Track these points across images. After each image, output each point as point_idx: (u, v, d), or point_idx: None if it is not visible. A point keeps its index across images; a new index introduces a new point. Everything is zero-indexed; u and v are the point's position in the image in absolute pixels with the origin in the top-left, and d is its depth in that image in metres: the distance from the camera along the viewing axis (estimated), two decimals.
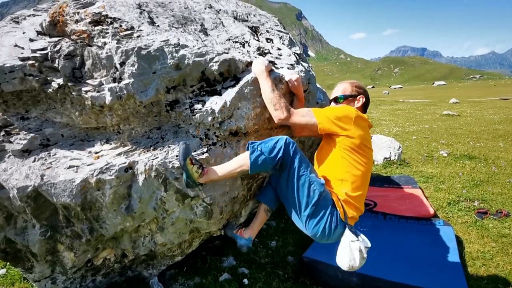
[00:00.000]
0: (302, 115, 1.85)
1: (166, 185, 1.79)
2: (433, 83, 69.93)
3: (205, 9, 2.66)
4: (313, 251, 2.68)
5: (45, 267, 1.96)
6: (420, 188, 4.14)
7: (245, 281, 2.39)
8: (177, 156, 1.79)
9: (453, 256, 2.56)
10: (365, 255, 1.74)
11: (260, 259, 2.77)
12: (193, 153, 1.82)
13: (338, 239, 1.85)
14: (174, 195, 1.82)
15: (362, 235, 1.79)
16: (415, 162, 5.77)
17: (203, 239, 2.31)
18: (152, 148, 1.85)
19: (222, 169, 1.79)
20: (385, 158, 5.54)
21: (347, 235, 1.76)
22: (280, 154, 1.72)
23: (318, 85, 3.76)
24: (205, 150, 1.86)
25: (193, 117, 1.86)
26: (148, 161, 1.77)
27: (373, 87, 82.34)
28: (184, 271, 2.51)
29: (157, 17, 2.12)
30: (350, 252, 1.73)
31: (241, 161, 1.77)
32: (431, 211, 3.40)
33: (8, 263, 2.72)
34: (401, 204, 3.65)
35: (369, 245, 1.77)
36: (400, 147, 5.82)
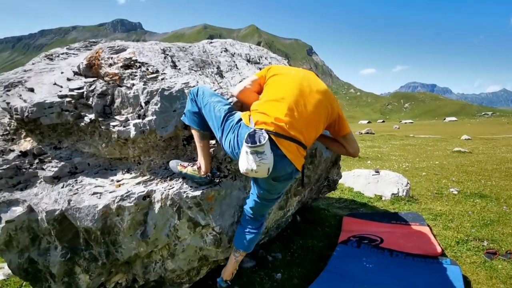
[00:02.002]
0: (245, 80, 2.05)
1: (180, 214, 1.94)
2: (444, 119, 69.72)
3: (221, 52, 2.95)
4: (318, 285, 2.71)
5: None
6: (428, 226, 4.13)
7: None
8: (175, 173, 2.07)
9: None
10: (251, 157, 1.58)
11: None
12: (202, 187, 2.03)
13: None
14: (187, 223, 1.96)
15: (260, 141, 1.59)
16: (424, 199, 5.73)
17: (210, 268, 2.39)
18: (168, 178, 2.03)
19: (198, 149, 1.99)
20: (393, 194, 5.55)
21: (245, 137, 1.64)
22: (194, 100, 1.95)
23: None
24: (217, 181, 2.02)
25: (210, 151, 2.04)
26: (165, 190, 1.93)
27: (383, 121, 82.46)
28: None
29: (178, 61, 2.39)
30: (242, 153, 1.65)
31: (193, 132, 2.00)
32: (439, 249, 3.39)
33: (23, 284, 2.83)
34: (408, 241, 3.65)
35: (256, 146, 1.56)
36: (408, 183, 5.83)
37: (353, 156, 2.19)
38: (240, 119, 1.80)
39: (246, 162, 1.61)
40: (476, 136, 21.67)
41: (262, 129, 1.66)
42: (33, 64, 3.25)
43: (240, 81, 2.11)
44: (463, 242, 3.80)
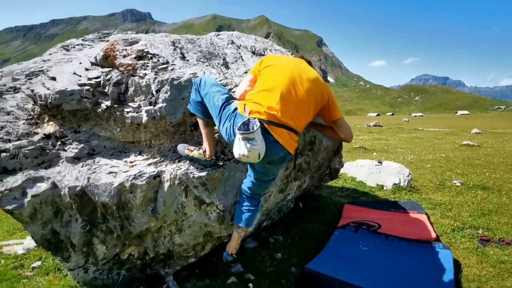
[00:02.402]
0: (243, 80, 2.21)
1: (187, 192, 2.14)
2: (456, 112, 68.42)
3: (228, 44, 3.10)
4: (315, 263, 2.91)
5: (81, 257, 2.32)
6: (426, 214, 4.27)
7: (250, 285, 2.64)
8: (182, 156, 2.25)
9: (448, 277, 2.71)
10: (242, 142, 1.74)
11: (265, 268, 3.01)
12: (208, 169, 2.23)
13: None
14: (193, 201, 2.17)
15: (251, 128, 1.74)
16: (425, 189, 5.84)
17: (214, 244, 2.60)
18: (177, 160, 2.22)
19: (203, 135, 2.17)
20: (394, 184, 5.68)
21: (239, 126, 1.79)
22: (197, 90, 2.11)
23: None
24: (221, 164, 2.21)
25: (214, 137, 2.22)
26: (173, 171, 2.13)
27: (392, 114, 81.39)
28: (196, 273, 2.79)
29: (187, 52, 2.56)
30: (236, 139, 1.80)
31: (198, 119, 2.18)
32: (433, 235, 3.54)
33: (43, 257, 3.10)
34: (405, 228, 3.80)
35: (246, 133, 1.71)
36: (410, 173, 5.94)
37: (346, 141, 2.32)
38: (236, 108, 1.94)
39: (238, 148, 1.77)
40: (487, 130, 21.37)
41: (255, 118, 1.81)
42: (50, 54, 3.46)
43: (242, 79, 2.24)
44: (458, 229, 3.94)
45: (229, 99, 2.03)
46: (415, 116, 56.82)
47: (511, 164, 8.56)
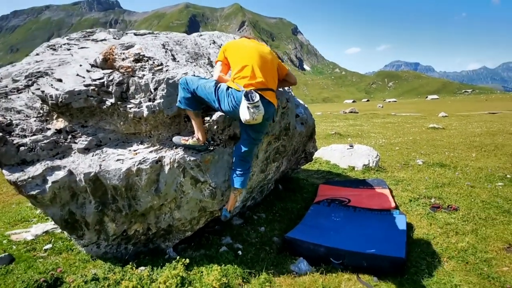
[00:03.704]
0: (216, 67, 2.69)
1: (184, 173, 2.56)
2: (426, 97, 71.53)
3: (210, 44, 3.49)
4: (293, 232, 3.43)
5: (93, 234, 2.70)
6: (389, 189, 4.91)
7: (239, 252, 3.12)
8: (179, 146, 2.69)
9: (401, 235, 3.30)
10: (252, 110, 2.25)
11: (251, 239, 3.50)
12: (201, 153, 2.66)
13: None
14: (190, 180, 2.59)
15: (255, 99, 2.24)
16: (392, 169, 6.53)
17: (207, 219, 3.05)
18: (174, 147, 2.64)
19: (195, 125, 2.59)
20: (364, 165, 6.31)
21: (243, 98, 2.28)
22: (185, 89, 2.53)
23: (301, 101, 4.59)
24: (211, 148, 2.65)
25: (204, 126, 2.65)
26: (172, 156, 2.54)
27: (368, 100, 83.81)
28: (192, 246, 3.23)
29: (176, 54, 2.94)
30: (243, 109, 2.29)
31: (188, 113, 2.61)
32: (393, 205, 4.16)
33: (52, 240, 3.42)
34: (371, 201, 4.41)
35: (254, 102, 2.22)
36: (378, 155, 6.59)
37: (294, 84, 3.03)
38: (228, 88, 2.44)
39: (248, 114, 2.26)
40: (453, 113, 22.81)
41: (251, 89, 2.34)
42: (37, 54, 3.68)
43: (214, 69, 2.72)
44: (414, 199, 4.60)
45: (217, 83, 2.51)
46: (389, 101, 58.88)
47: (469, 143, 9.49)
